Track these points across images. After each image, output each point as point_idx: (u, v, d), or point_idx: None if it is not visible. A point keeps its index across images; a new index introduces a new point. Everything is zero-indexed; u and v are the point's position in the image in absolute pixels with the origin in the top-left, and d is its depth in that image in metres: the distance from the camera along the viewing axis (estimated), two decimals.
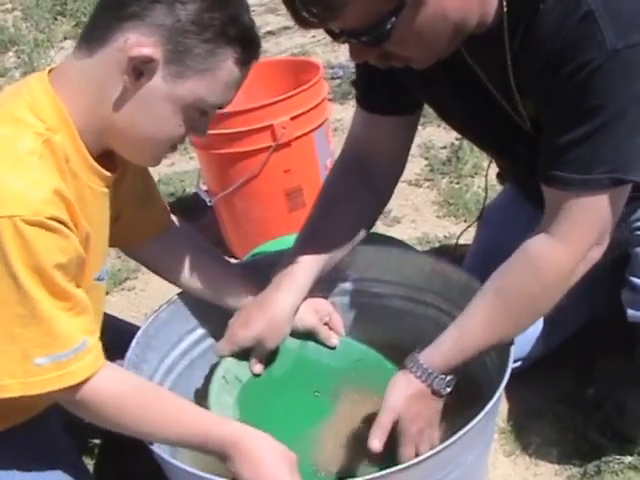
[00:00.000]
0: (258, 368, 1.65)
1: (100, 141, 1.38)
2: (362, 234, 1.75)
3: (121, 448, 1.68)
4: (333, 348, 1.73)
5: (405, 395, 1.49)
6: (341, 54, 4.04)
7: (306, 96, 2.45)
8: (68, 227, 1.27)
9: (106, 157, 1.42)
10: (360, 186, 1.72)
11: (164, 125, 1.37)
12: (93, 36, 1.34)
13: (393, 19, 1.27)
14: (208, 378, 1.64)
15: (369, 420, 1.57)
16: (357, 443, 1.57)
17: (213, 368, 1.65)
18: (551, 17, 1.33)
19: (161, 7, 1.29)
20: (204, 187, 2.69)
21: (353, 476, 1.49)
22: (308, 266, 1.64)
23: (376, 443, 1.47)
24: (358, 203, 1.72)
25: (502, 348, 1.50)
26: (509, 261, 1.47)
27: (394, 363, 1.70)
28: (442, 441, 1.36)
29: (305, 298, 1.65)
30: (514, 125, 1.54)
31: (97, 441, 1.84)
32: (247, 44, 1.37)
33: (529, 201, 1.81)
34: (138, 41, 1.29)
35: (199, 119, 1.40)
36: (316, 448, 1.57)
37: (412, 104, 1.73)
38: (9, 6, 5.18)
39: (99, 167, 1.39)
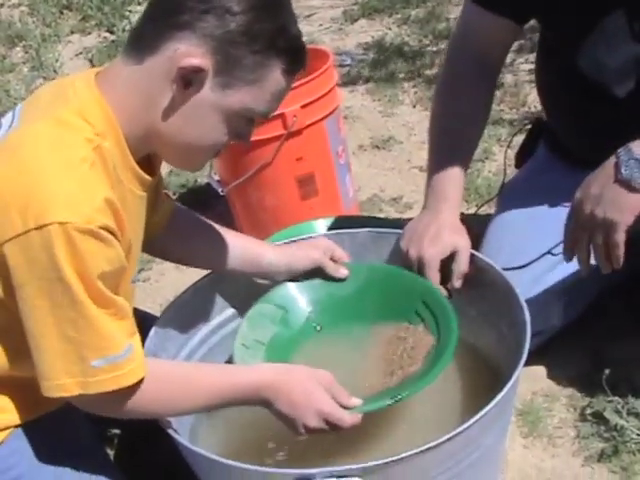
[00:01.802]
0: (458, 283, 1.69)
1: (144, 146, 1.39)
2: (486, 121, 1.95)
3: (141, 437, 1.69)
4: (343, 280, 1.74)
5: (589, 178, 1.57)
6: (349, 42, 4.04)
7: (316, 84, 2.44)
8: (116, 236, 1.29)
9: (145, 161, 1.43)
10: (477, 75, 1.87)
11: (210, 133, 1.38)
12: (142, 43, 1.34)
13: None
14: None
15: (395, 341, 1.62)
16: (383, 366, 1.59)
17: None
18: None
19: (212, 18, 1.29)
20: (216, 177, 2.69)
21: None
22: (454, 172, 1.78)
23: None
24: (479, 94, 1.88)
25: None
26: None
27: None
28: (459, 423, 1.36)
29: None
30: None
31: (117, 431, 1.85)
32: (295, 55, 1.38)
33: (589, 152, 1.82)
34: (188, 51, 1.30)
35: (244, 127, 1.41)
36: (355, 378, 1.56)
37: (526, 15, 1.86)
38: (15, 1, 5.17)
39: (141, 172, 1.40)
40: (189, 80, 1.32)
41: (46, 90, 1.46)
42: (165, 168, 1.67)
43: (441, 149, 1.86)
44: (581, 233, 1.56)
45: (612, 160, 1.52)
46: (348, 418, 1.40)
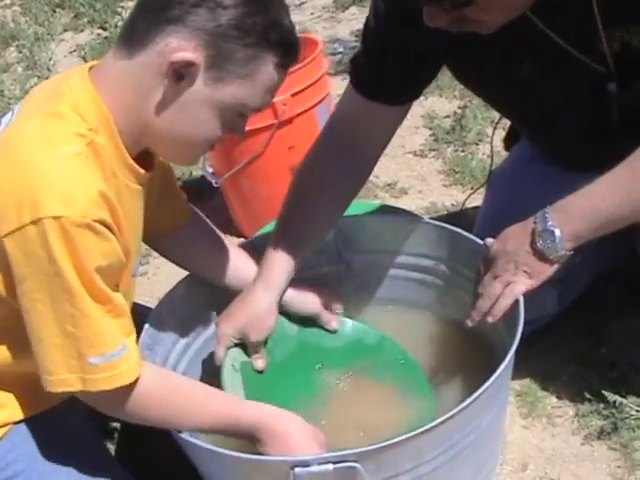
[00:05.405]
0: (259, 363, 1.66)
1: (139, 141, 1.39)
2: (339, 217, 1.76)
3: (141, 431, 1.69)
4: (334, 331, 1.76)
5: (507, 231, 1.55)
6: (341, 30, 4.03)
7: (306, 72, 2.44)
8: (111, 230, 1.29)
9: (142, 155, 1.42)
10: (341, 169, 1.71)
11: (203, 128, 1.38)
12: (133, 38, 1.34)
13: None
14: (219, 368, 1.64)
15: (371, 400, 1.62)
16: (361, 422, 1.60)
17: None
18: None
19: (203, 11, 1.29)
20: (210, 169, 2.69)
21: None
22: (285, 258, 1.64)
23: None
24: (338, 187, 1.72)
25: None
26: None
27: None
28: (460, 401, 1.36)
29: (285, 289, 1.66)
30: (587, 73, 1.55)
31: (116, 424, 1.85)
32: (288, 48, 1.37)
33: (562, 160, 1.81)
34: (179, 45, 1.29)
35: (237, 121, 1.41)
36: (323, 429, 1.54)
37: (412, 95, 1.73)
38: (7, 1, 5.18)
39: (136, 166, 1.40)
40: (181, 74, 1.31)
41: (42, 87, 1.46)
42: None
43: (286, 226, 1.71)
44: (489, 279, 1.56)
45: (530, 222, 1.51)
46: None
